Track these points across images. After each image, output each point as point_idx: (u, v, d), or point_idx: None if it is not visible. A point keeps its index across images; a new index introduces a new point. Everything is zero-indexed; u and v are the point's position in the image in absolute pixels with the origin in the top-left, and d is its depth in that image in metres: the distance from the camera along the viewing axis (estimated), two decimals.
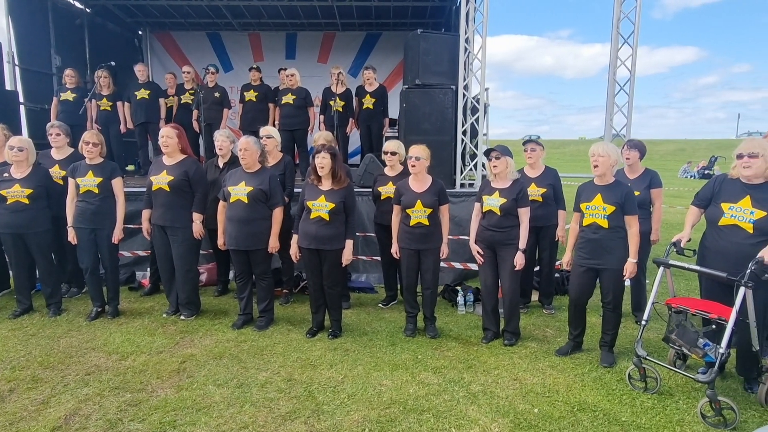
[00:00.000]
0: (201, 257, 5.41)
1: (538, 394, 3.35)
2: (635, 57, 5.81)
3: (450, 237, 5.41)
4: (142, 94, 7.11)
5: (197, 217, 4.46)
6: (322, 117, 7.25)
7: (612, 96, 5.96)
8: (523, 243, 4.01)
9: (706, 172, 23.23)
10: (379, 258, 5.33)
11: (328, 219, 4.06)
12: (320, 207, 4.06)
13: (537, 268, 5.13)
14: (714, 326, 3.13)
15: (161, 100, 7.38)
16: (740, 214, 3.23)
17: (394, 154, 4.79)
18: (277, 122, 7.10)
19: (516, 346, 4.11)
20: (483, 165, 5.89)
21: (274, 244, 4.32)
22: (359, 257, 5.71)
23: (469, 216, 4.36)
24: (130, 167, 8.30)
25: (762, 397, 3.20)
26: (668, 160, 32.92)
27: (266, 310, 4.45)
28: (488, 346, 4.13)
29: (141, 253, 5.76)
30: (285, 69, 7.37)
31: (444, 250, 4.26)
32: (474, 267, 5.05)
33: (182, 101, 7.45)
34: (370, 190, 5.16)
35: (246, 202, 4.20)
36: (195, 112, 7.16)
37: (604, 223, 3.64)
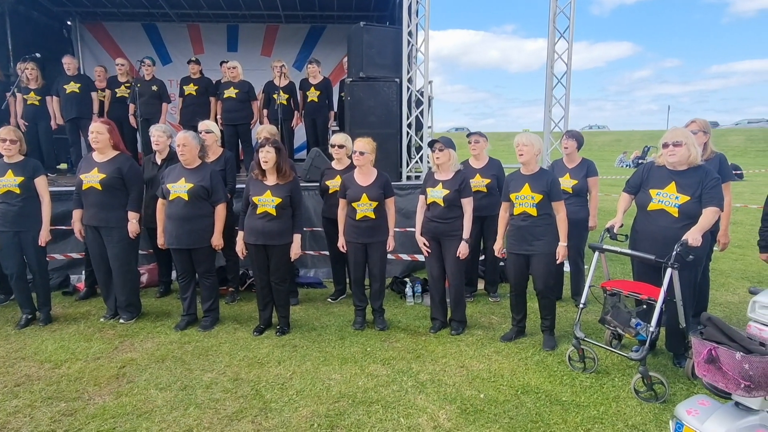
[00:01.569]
0: (141, 258, 5.20)
1: (484, 380, 3.44)
2: (571, 51, 6.02)
3: (397, 229, 5.46)
4: (72, 87, 6.73)
5: (133, 216, 4.28)
6: (265, 111, 7.11)
7: (550, 89, 6.15)
8: (466, 233, 4.09)
9: (640, 161, 24.48)
10: (327, 252, 5.30)
11: (275, 214, 3.99)
12: (266, 202, 3.99)
13: (482, 258, 5.25)
14: (645, 306, 3.31)
15: (93, 94, 7.01)
16: (666, 199, 3.41)
17: (341, 147, 4.76)
18: (219, 116, 6.91)
19: (463, 335, 4.19)
20: (428, 158, 5.95)
21: (217, 241, 4.21)
22: (307, 252, 5.65)
23: (416, 208, 4.40)
24: (63, 165, 7.86)
25: (689, 371, 3.41)
26: (606, 151, 34.41)
27: (211, 310, 4.34)
28: (436, 335, 4.20)
29: (75, 255, 5.46)
30: (226, 62, 7.17)
31: (390, 243, 4.28)
32: (422, 258, 5.11)
33: (117, 95, 7.12)
34: (317, 184, 5.13)
35: (186, 199, 4.06)
36: (131, 107, 6.85)
37: (533, 212, 3.77)
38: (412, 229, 4.41)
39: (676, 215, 3.37)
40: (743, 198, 12.32)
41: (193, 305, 4.39)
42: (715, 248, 3.96)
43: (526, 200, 3.80)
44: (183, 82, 7.07)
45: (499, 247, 4.11)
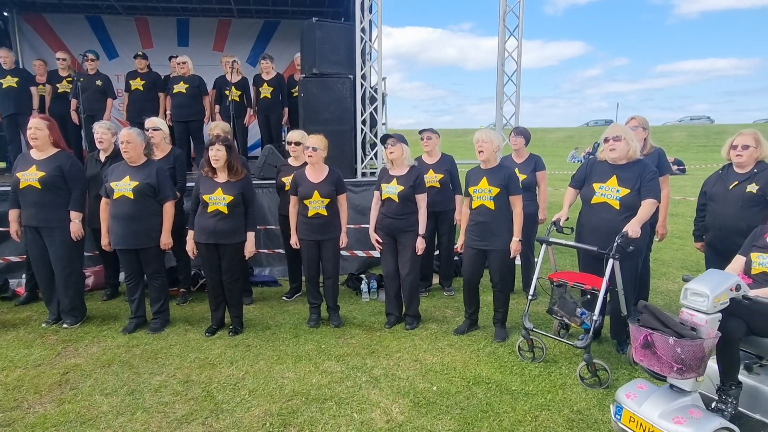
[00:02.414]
0: (86, 259, 5.01)
1: (437, 373, 3.49)
2: (521, 49, 6.16)
3: (352, 226, 5.47)
4: (9, 82, 6.39)
5: (75, 216, 4.11)
6: (217, 107, 6.96)
7: (501, 86, 6.28)
8: (422, 228, 4.13)
9: (591, 157, 25.28)
10: (282, 251, 5.24)
11: (226, 212, 3.92)
12: (218, 200, 3.91)
13: (437, 253, 5.31)
14: (589, 296, 3.44)
15: (33, 89, 6.67)
16: (609, 192, 3.55)
17: (298, 144, 4.73)
18: (168, 113, 6.71)
19: (417, 329, 4.24)
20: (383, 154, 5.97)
21: (166, 240, 4.10)
22: (261, 251, 5.58)
23: (371, 204, 4.41)
24: (1, 164, 7.46)
25: (630, 357, 3.56)
26: (559, 147, 35.43)
27: (161, 311, 4.22)
28: (391, 330, 4.22)
29: (14, 258, 5.20)
30: (176, 56, 6.97)
31: (343, 240, 4.27)
32: (377, 254, 5.13)
33: (59, 90, 6.81)
34: (272, 181, 5.07)
35: (132, 198, 3.93)
36: (74, 102, 6.57)
37: (491, 205, 3.84)
38: (368, 226, 4.42)
39: (618, 208, 3.50)
40: (685, 191, 12.97)
41: (142, 307, 4.25)
42: (654, 239, 4.13)
43: (483, 194, 3.87)
44: (129, 77, 6.82)
45: (461, 243, 4.16)
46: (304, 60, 5.95)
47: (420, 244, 4.11)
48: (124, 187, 3.93)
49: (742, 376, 2.74)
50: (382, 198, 4.19)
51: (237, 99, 6.63)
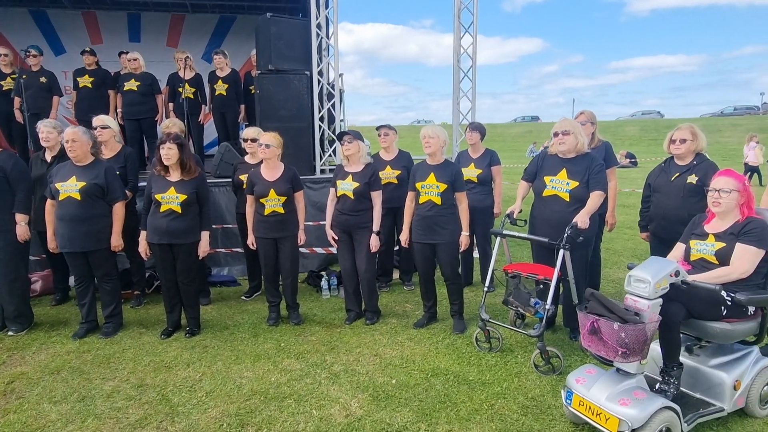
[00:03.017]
0: (33, 263, 4.83)
1: (397, 366, 3.52)
2: (476, 46, 6.25)
3: (311, 223, 5.45)
4: None
5: (21, 219, 3.94)
6: (171, 105, 6.78)
7: (458, 82, 6.36)
8: (376, 225, 4.15)
9: (542, 150, 25.84)
10: (240, 250, 5.18)
11: (180, 211, 3.84)
12: (171, 199, 3.83)
13: (397, 248, 5.35)
14: (541, 286, 3.53)
15: None
16: (559, 185, 3.65)
17: (254, 141, 4.67)
18: (119, 110, 6.50)
19: (377, 324, 4.27)
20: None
21: (116, 242, 3.97)
22: (219, 250, 5.49)
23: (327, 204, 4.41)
24: None
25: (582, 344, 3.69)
26: (518, 141, 36.12)
27: (113, 315, 4.10)
28: (351, 326, 4.24)
29: None
30: (126, 53, 6.75)
31: (301, 237, 4.25)
32: (336, 251, 5.12)
33: (3, 88, 6.48)
34: (228, 180, 4.99)
35: (79, 198, 3.80)
36: (17, 100, 6.27)
37: (438, 200, 3.90)
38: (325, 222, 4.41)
39: (568, 200, 3.61)
40: (636, 183, 13.44)
41: (93, 312, 4.12)
42: (604, 229, 4.28)
43: (431, 189, 3.92)
44: (77, 74, 6.56)
45: (405, 237, 4.20)
46: (260, 56, 5.87)
47: (374, 242, 4.13)
48: (70, 187, 3.79)
49: (683, 358, 2.88)
50: (338, 195, 4.19)
51: (191, 96, 6.48)
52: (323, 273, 5.26)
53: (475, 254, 5.23)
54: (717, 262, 2.83)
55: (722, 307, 2.70)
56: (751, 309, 2.78)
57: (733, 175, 2.91)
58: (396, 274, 5.42)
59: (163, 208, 3.84)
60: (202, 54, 9.18)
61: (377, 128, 5.02)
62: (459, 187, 3.93)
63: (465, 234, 3.93)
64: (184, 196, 3.84)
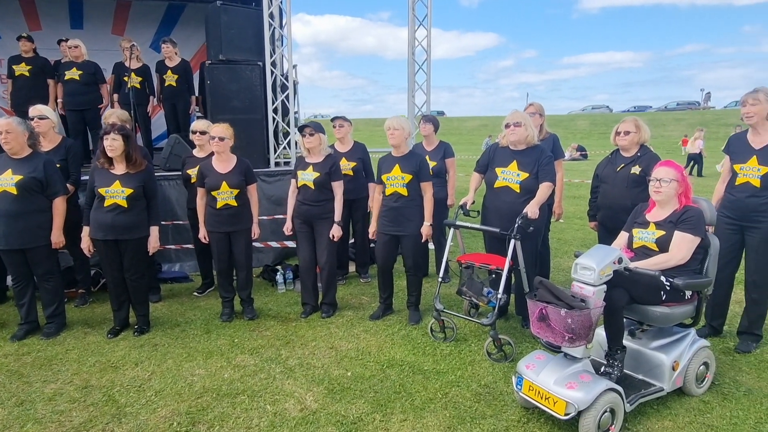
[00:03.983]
0: None
1: (352, 359, 3.52)
2: (430, 39, 6.29)
3: (266, 217, 5.37)
4: None
5: None
6: (116, 95, 6.50)
7: (413, 75, 6.38)
8: (338, 215, 4.13)
9: (492, 143, 26.37)
10: (191, 245, 5.04)
11: (126, 206, 3.69)
12: (115, 193, 3.68)
13: (352, 240, 5.34)
14: (494, 276, 3.60)
15: None
16: (510, 176, 3.72)
17: (203, 133, 4.55)
18: (59, 100, 6.19)
19: (334, 317, 4.25)
20: (296, 143, 5.89)
21: (57, 239, 3.79)
22: (170, 246, 5.32)
23: (286, 194, 4.35)
24: None
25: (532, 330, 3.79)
26: (474, 135, 36.69)
27: (55, 315, 3.91)
28: (307, 320, 4.20)
29: None
30: (66, 40, 6.41)
31: (255, 231, 4.18)
32: (292, 245, 5.07)
33: None
34: (179, 173, 4.84)
35: (15, 193, 3.59)
36: None
37: (404, 191, 3.91)
38: (282, 216, 4.35)
39: (518, 191, 3.69)
40: (587, 175, 13.88)
41: (33, 312, 3.92)
42: (552, 219, 4.39)
43: (396, 180, 3.93)
44: (12, 62, 6.19)
45: (373, 229, 4.19)
46: (210, 46, 5.72)
47: (336, 231, 4.11)
48: (5, 181, 3.58)
49: (626, 341, 3.00)
50: (298, 185, 4.14)
51: (138, 86, 6.22)
52: (279, 267, 5.20)
53: (430, 246, 5.28)
54: (657, 249, 2.95)
55: (662, 292, 2.83)
56: (688, 293, 2.92)
57: (672, 165, 3.04)
58: (352, 267, 5.41)
59: (107, 203, 3.68)
60: (150, 43, 8.83)
61: (332, 120, 4.98)
62: (424, 177, 3.95)
63: (427, 224, 3.95)
64: (130, 190, 3.69)
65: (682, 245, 2.87)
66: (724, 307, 3.75)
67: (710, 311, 3.74)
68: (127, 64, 6.21)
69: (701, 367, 3.01)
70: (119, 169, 3.75)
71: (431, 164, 4.79)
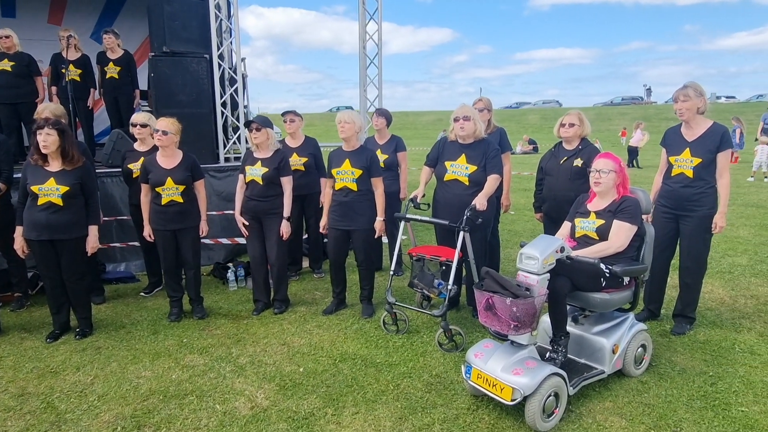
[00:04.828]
0: None
1: (305, 354, 3.50)
2: (381, 32, 6.28)
3: (216, 213, 5.26)
4: None
5: None
6: (54, 88, 6.18)
7: (364, 69, 6.36)
8: (287, 211, 4.08)
9: (441, 137, 26.77)
10: (137, 243, 4.87)
11: (62, 204, 3.53)
12: (50, 191, 3.50)
13: (305, 236, 5.30)
14: (444, 267, 3.66)
15: None
16: (459, 170, 3.78)
17: (144, 126, 4.40)
18: None
19: (286, 313, 4.21)
20: (246, 138, 5.77)
21: None
22: (114, 245, 5.13)
23: (236, 189, 4.26)
24: None
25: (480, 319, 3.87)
26: (429, 129, 37.07)
27: None
28: (259, 317, 4.14)
29: None
30: None
31: (203, 228, 4.08)
32: (243, 241, 4.97)
33: None
34: (120, 169, 4.66)
35: None
36: None
37: (354, 186, 3.91)
38: (232, 212, 4.26)
39: (467, 184, 3.75)
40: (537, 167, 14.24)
41: None
42: (501, 211, 4.49)
43: (346, 175, 3.91)
44: None
45: (324, 223, 4.17)
46: (153, 37, 5.51)
47: (285, 228, 4.06)
48: None
49: (570, 327, 3.11)
50: (246, 180, 4.07)
51: (77, 78, 5.93)
52: (230, 264, 5.10)
53: (384, 239, 5.31)
54: (597, 238, 3.07)
55: (601, 279, 2.94)
56: (626, 279, 3.06)
57: (611, 157, 3.17)
58: (305, 263, 5.37)
59: (41, 201, 3.51)
60: (91, 33, 8.45)
61: (282, 114, 4.91)
62: (375, 173, 3.95)
63: (380, 219, 3.96)
64: (66, 188, 3.53)
65: (621, 233, 3.00)
66: (661, 291, 3.94)
67: (647, 296, 3.93)
68: (64, 54, 5.91)
69: (639, 350, 3.15)
70: (54, 165, 3.57)
71: (383, 157, 4.81)
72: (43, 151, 3.51)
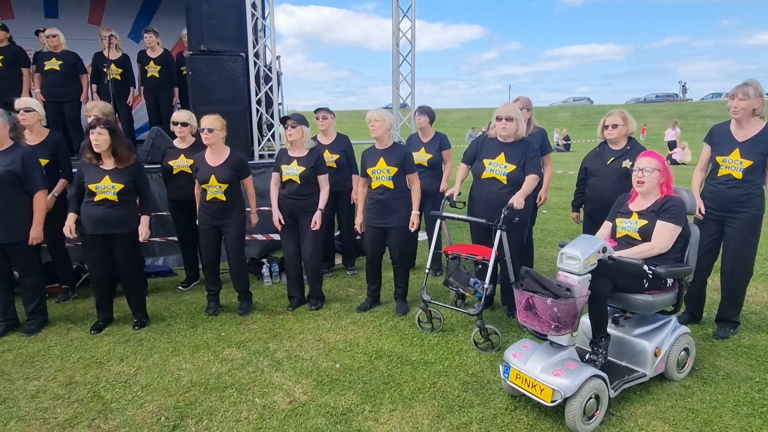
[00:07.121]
0: None
1: (340, 350, 3.53)
2: (414, 30, 6.26)
3: (249, 209, 5.31)
4: None
5: None
6: (95, 87, 6.37)
7: (397, 66, 6.36)
8: (322, 203, 4.10)
9: (481, 134, 26.57)
10: (175, 238, 4.98)
11: (117, 200, 3.64)
12: (106, 189, 3.62)
13: (338, 233, 5.33)
14: (480, 266, 3.63)
15: None
16: (497, 168, 3.74)
17: (185, 125, 4.50)
18: (37, 91, 6.04)
19: (321, 309, 4.25)
20: (281, 135, 5.83)
21: (35, 234, 3.68)
22: (153, 239, 5.25)
23: (270, 187, 4.31)
24: None
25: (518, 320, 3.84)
26: (458, 127, 36.75)
27: (36, 312, 3.84)
28: (294, 313, 4.19)
29: None
30: (43, 30, 6.25)
31: (252, 219, 4.23)
32: (277, 238, 5.05)
33: None
34: (159, 166, 4.77)
35: None
36: None
37: (390, 185, 3.92)
38: (267, 209, 4.32)
39: (505, 182, 3.72)
40: (568, 166, 14.06)
41: (12, 309, 3.84)
42: (538, 205, 4.40)
43: (382, 174, 3.92)
44: None
45: (360, 221, 4.18)
46: (191, 36, 5.60)
47: (317, 218, 4.07)
48: None
49: (610, 329, 3.05)
50: (283, 179, 4.11)
51: (118, 77, 6.10)
52: (264, 260, 5.17)
53: (423, 237, 5.28)
54: (640, 239, 3.01)
55: (644, 280, 2.88)
56: (670, 281, 2.98)
57: (654, 155, 3.10)
58: (338, 260, 5.41)
59: (97, 198, 3.63)
60: (129, 32, 8.66)
61: (315, 111, 4.94)
62: (409, 169, 3.96)
63: (415, 213, 3.96)
64: (121, 186, 3.64)
65: (664, 234, 2.92)
66: (702, 294, 3.84)
67: (690, 299, 3.83)
68: (106, 54, 6.08)
69: (682, 353, 3.08)
70: (108, 164, 3.68)
71: (427, 156, 4.77)
72: (96, 150, 3.62)
